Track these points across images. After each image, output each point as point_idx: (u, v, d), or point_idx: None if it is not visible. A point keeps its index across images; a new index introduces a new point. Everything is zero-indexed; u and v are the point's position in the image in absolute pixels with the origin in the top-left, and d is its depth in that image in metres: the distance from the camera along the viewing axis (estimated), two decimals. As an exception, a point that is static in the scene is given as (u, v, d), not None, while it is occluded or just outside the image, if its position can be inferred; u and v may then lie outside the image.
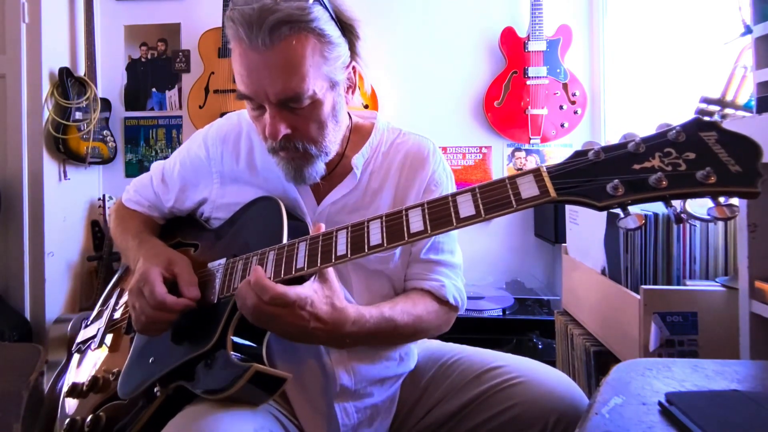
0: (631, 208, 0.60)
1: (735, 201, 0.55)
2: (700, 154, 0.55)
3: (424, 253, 0.93)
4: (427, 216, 0.68)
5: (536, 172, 0.63)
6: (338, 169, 0.92)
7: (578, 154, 0.62)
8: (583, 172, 0.60)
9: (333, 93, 0.84)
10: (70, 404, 0.95)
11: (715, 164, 0.54)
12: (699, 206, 0.59)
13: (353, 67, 0.88)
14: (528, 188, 0.62)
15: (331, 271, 0.77)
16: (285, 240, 0.80)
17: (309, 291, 0.73)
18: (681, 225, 1.12)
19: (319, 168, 0.87)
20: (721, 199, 0.54)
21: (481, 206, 0.64)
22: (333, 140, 0.87)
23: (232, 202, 0.94)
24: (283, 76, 0.77)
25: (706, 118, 0.58)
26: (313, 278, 0.75)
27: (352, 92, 0.90)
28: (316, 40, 0.78)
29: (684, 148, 0.57)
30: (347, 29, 0.84)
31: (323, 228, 0.77)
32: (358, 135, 0.96)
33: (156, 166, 1.05)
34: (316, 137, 0.84)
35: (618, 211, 0.60)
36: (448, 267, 0.95)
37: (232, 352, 0.74)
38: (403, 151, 0.95)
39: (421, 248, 0.93)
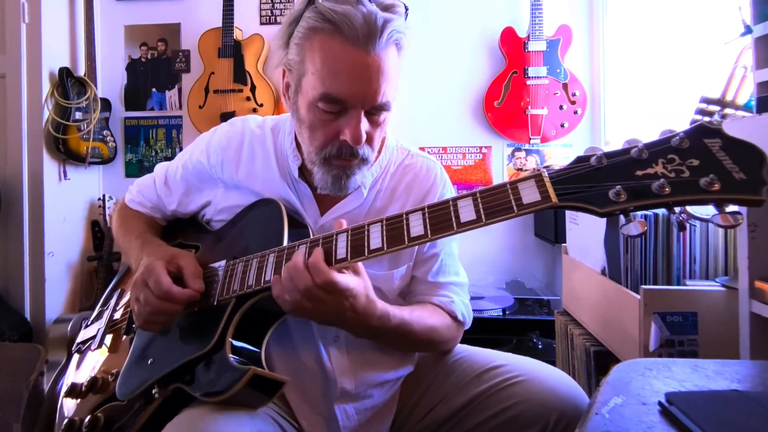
0: (634, 214, 0.59)
1: (735, 208, 0.54)
2: (704, 160, 0.55)
3: (431, 276, 0.94)
4: (427, 220, 0.67)
5: (538, 178, 0.62)
6: None
7: (580, 160, 0.61)
8: (585, 178, 0.59)
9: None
10: (69, 405, 0.94)
11: (719, 171, 0.53)
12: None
13: None
14: (529, 193, 0.62)
15: (360, 265, 0.76)
16: (285, 242, 0.80)
17: (353, 283, 0.73)
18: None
19: (364, 175, 0.87)
20: (725, 207, 0.53)
21: (482, 211, 0.64)
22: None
23: (234, 204, 0.94)
24: (384, 83, 0.78)
25: (707, 119, 0.57)
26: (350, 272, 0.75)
27: None
28: (398, 53, 0.81)
29: (687, 155, 0.56)
30: None
31: (344, 224, 0.76)
32: None
33: (159, 168, 1.05)
34: (376, 145, 0.85)
35: (620, 216, 0.59)
36: (455, 285, 0.97)
37: (230, 355, 0.74)
38: (410, 174, 0.95)
39: (428, 271, 0.94)
